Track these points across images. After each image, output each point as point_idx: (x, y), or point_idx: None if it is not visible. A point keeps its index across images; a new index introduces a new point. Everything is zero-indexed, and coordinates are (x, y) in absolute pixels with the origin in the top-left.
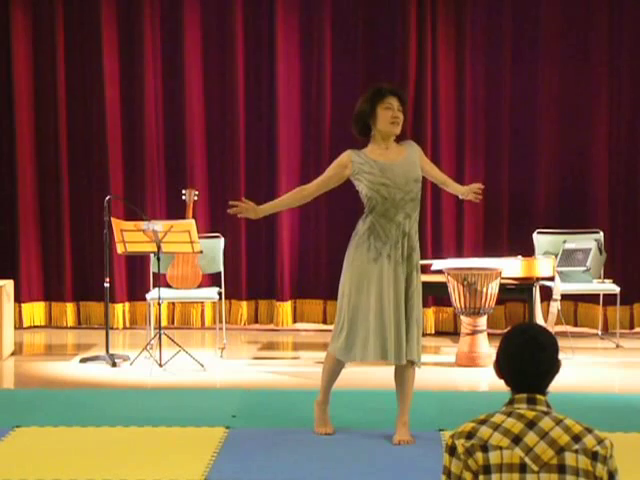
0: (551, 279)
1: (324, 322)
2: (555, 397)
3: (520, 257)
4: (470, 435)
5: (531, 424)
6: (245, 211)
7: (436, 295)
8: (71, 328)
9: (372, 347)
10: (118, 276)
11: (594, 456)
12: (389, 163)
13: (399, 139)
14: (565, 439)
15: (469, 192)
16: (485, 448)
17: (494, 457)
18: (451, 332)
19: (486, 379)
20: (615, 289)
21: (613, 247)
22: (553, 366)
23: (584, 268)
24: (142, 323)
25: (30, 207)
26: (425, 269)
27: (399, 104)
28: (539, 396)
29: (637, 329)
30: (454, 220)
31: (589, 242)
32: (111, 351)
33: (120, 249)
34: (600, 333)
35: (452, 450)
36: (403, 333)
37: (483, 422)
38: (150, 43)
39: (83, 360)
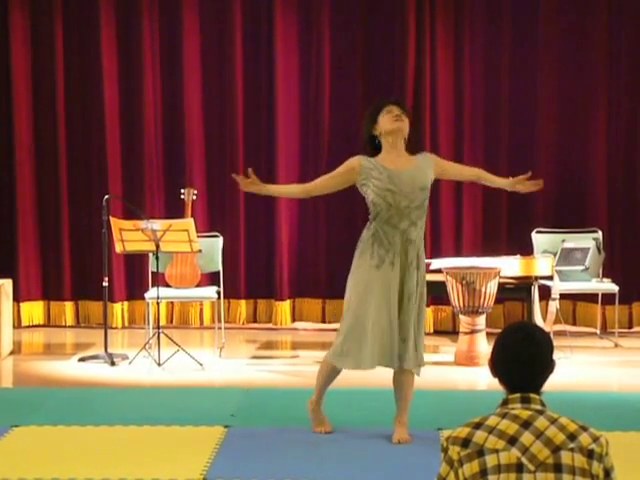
0: (550, 278)
1: (323, 321)
2: (553, 396)
3: (519, 256)
4: (466, 442)
5: (526, 424)
6: (250, 185)
7: (435, 294)
8: (70, 327)
9: (367, 355)
10: (117, 275)
11: (590, 454)
12: (397, 170)
13: (412, 152)
14: (560, 438)
15: (515, 184)
16: (481, 453)
17: (490, 460)
18: (450, 331)
19: (485, 378)
20: (614, 288)
21: (612, 246)
22: (548, 364)
23: (583, 267)
24: (141, 322)
25: (29, 206)
26: None
27: (400, 110)
28: (533, 395)
29: (636, 328)
30: (453, 219)
31: (588, 241)
32: (110, 350)
33: (119, 248)
34: (599, 332)
35: (444, 451)
36: (396, 341)
37: (478, 426)
38: (149, 43)
39: (82, 359)
